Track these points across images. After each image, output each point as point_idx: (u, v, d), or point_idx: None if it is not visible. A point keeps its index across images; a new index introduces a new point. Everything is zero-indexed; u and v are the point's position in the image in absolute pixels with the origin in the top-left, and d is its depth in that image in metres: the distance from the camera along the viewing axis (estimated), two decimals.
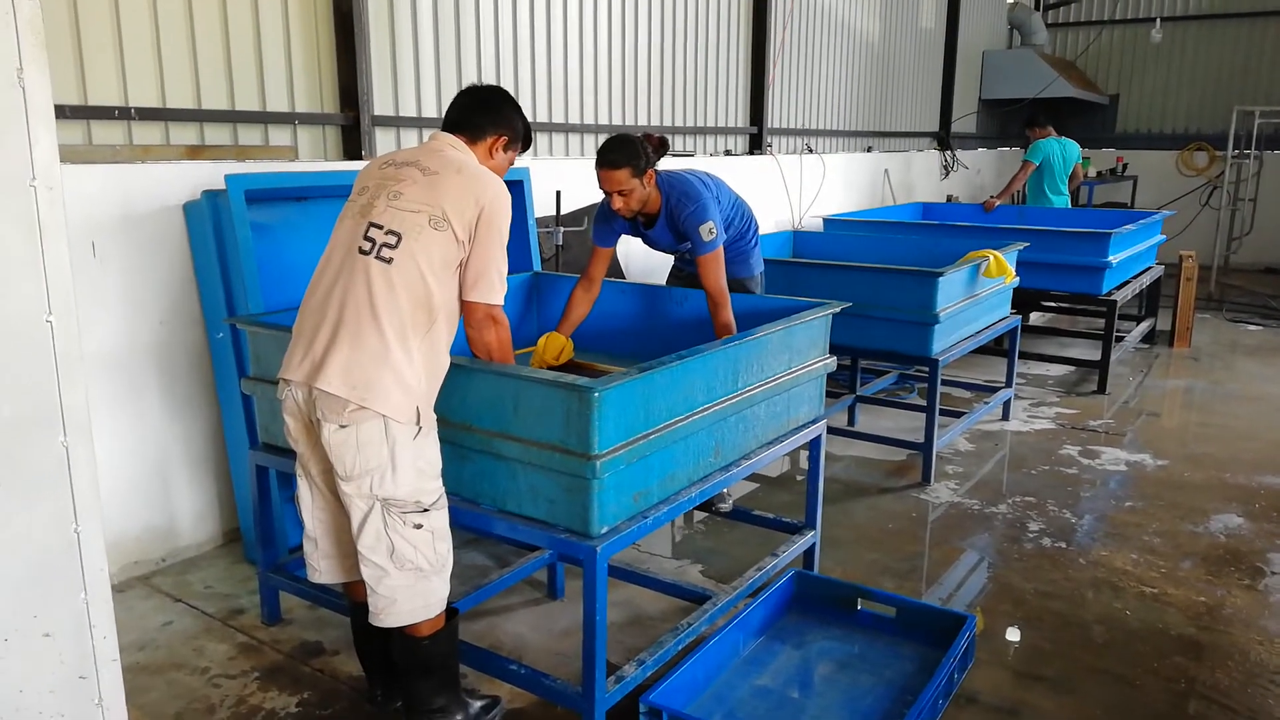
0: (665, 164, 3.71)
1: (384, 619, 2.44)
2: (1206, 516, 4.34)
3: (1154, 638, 3.29)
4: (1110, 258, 6.24)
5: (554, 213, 5.14)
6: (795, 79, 8.34)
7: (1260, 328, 8.66)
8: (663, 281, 4.47)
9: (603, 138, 3.60)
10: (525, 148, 2.76)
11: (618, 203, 3.51)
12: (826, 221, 7.24)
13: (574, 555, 2.53)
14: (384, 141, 4.88)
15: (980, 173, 11.75)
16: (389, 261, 2.35)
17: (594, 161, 3.49)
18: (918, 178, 10.27)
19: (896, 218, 7.56)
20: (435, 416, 2.45)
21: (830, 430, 4.04)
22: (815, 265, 5.13)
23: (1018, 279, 5.45)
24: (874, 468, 4.97)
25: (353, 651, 2.93)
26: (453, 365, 2.49)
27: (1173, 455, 5.16)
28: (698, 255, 3.58)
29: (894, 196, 9.61)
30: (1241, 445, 5.33)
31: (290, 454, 2.63)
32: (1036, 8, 13.51)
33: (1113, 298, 6.37)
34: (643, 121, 6.67)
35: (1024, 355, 6.58)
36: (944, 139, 11.14)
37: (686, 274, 4.13)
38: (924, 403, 4.89)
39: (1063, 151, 7.94)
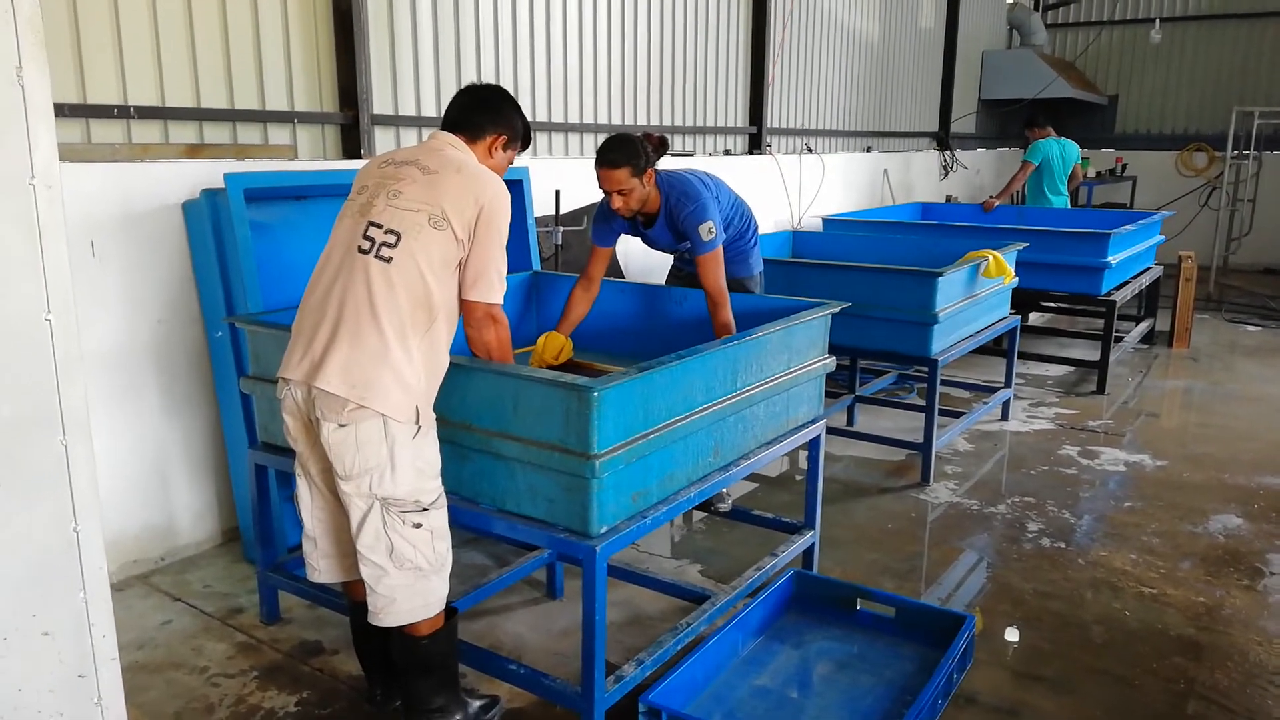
0: (665, 164, 3.71)
1: (383, 618, 2.44)
2: (1206, 517, 4.34)
3: (1153, 638, 3.29)
4: (1109, 258, 6.24)
5: (553, 212, 5.13)
6: (795, 79, 8.34)
7: (1259, 328, 8.66)
8: (662, 281, 4.47)
9: (602, 137, 3.60)
10: (525, 147, 2.76)
11: (617, 202, 3.51)
12: (826, 221, 7.24)
13: (573, 555, 2.52)
14: (383, 140, 4.88)
15: (979, 173, 11.76)
16: (388, 260, 2.35)
17: (593, 161, 3.49)
18: (917, 178, 10.27)
19: (896, 218, 7.56)
20: (434, 416, 2.44)
21: (829, 430, 4.04)
22: (814, 265, 5.13)
23: (1017, 279, 5.45)
24: (873, 468, 4.97)
25: (352, 651, 2.93)
26: (452, 364, 2.49)
27: (1172, 456, 5.16)
28: (697, 255, 3.58)
29: (893, 196, 9.62)
30: (1241, 446, 5.34)
31: (289, 453, 2.63)
32: (1036, 8, 13.51)
33: (1112, 298, 6.37)
34: (642, 121, 6.67)
35: (1023, 355, 6.59)
36: (943, 139, 11.14)
37: (686, 274, 4.13)
38: (923, 403, 4.89)
39: (1062, 152, 7.94)
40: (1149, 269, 7.52)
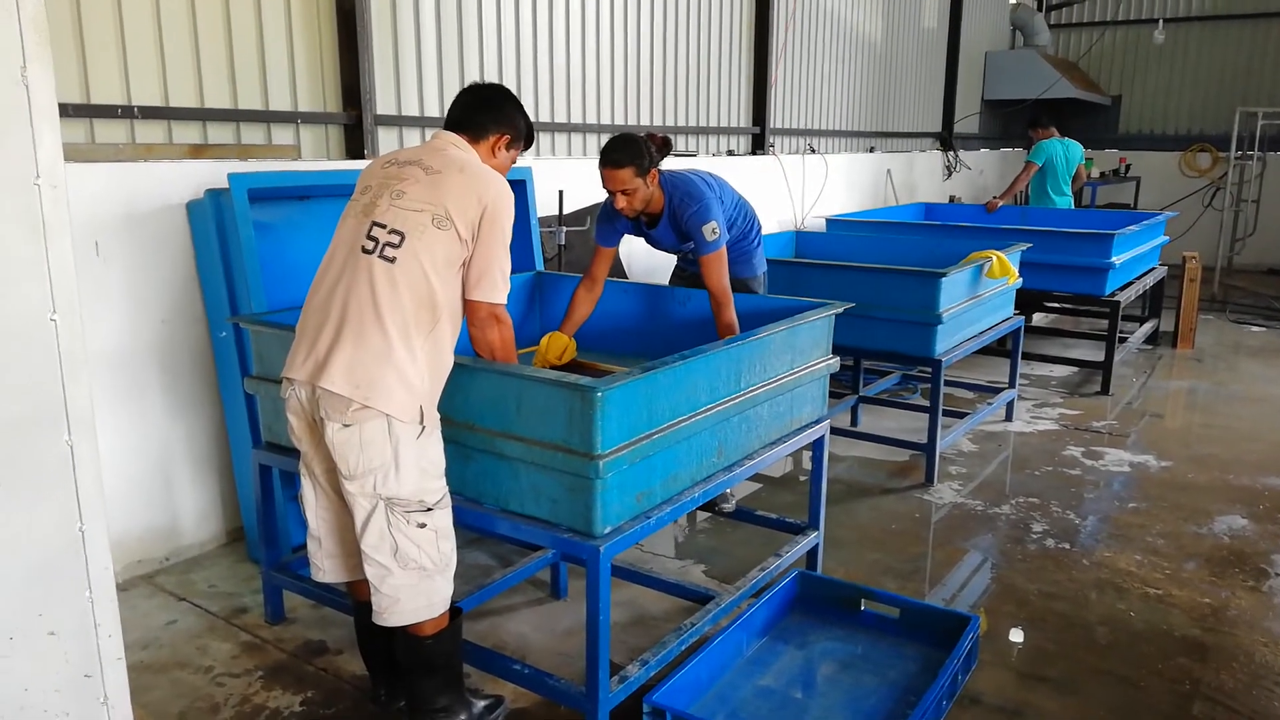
0: (668, 164, 3.71)
1: (387, 618, 2.44)
2: (1210, 518, 4.33)
3: (1158, 639, 3.28)
4: (1113, 259, 6.23)
5: (557, 212, 5.13)
6: (797, 79, 8.33)
7: (1263, 329, 8.64)
8: (665, 282, 4.46)
9: (605, 137, 3.60)
10: (527, 146, 2.76)
11: (621, 202, 3.51)
12: (829, 222, 7.23)
13: (577, 555, 2.52)
14: (386, 140, 4.88)
15: (983, 173, 11.75)
16: (392, 261, 2.35)
17: (597, 161, 3.49)
18: (920, 178, 10.26)
19: (899, 218, 7.56)
20: (439, 416, 2.44)
21: (833, 431, 4.04)
22: (818, 265, 5.13)
23: (1021, 280, 5.44)
24: (877, 468, 4.96)
25: (356, 651, 2.93)
26: (456, 364, 2.49)
27: (1176, 456, 5.15)
28: (701, 255, 3.57)
29: (896, 197, 9.61)
30: (1245, 446, 5.33)
31: (293, 453, 2.63)
32: (1039, 8, 13.50)
33: (1116, 299, 6.36)
34: (645, 121, 6.67)
35: (1027, 356, 6.57)
36: (947, 139, 11.13)
37: (689, 274, 4.13)
38: (927, 403, 4.88)
39: (1065, 152, 7.93)
40: (1153, 269, 7.51)
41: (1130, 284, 6.86)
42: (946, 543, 4.11)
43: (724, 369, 2.83)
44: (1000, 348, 6.13)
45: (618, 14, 6.30)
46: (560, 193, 5.12)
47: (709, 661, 2.85)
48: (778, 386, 3.10)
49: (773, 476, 4.84)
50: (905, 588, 3.66)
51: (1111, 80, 13.50)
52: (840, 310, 3.38)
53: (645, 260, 5.73)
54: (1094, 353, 6.94)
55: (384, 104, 4.83)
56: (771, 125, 7.91)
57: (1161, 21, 12.48)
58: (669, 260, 4.42)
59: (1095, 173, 11.60)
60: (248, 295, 3.44)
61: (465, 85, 2.72)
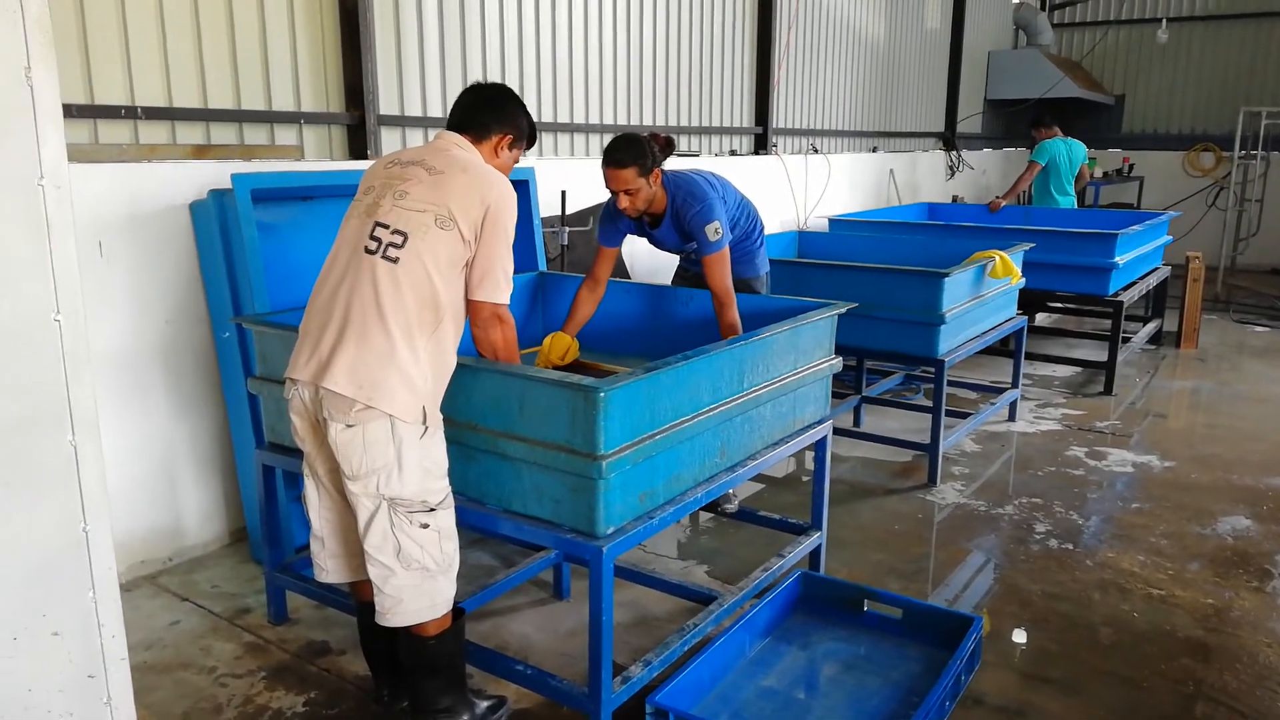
0: (671, 164, 3.71)
1: (390, 618, 2.44)
2: (1214, 518, 4.32)
3: (1161, 640, 3.28)
4: (1117, 258, 6.22)
5: (559, 212, 5.13)
6: (800, 79, 8.33)
7: (1267, 329, 8.63)
8: (668, 282, 4.46)
9: (608, 138, 3.59)
10: (530, 145, 2.76)
11: (624, 202, 3.51)
12: (832, 222, 7.23)
13: (580, 556, 2.52)
14: (389, 141, 4.88)
15: (986, 173, 11.73)
16: (395, 261, 2.35)
17: (600, 161, 3.49)
18: (923, 178, 10.25)
19: (902, 218, 7.55)
20: (441, 416, 2.44)
21: (836, 431, 4.04)
22: (821, 265, 5.12)
23: (1024, 280, 5.44)
24: (880, 469, 4.96)
25: (359, 651, 2.93)
26: (458, 365, 2.49)
27: (1180, 456, 5.14)
28: (703, 255, 3.57)
29: (899, 197, 9.60)
30: (1249, 446, 5.32)
31: (297, 453, 2.63)
32: (1042, 8, 13.47)
33: (1119, 299, 6.35)
34: (648, 121, 6.67)
35: (1030, 356, 6.57)
36: (949, 139, 11.12)
37: (692, 274, 4.13)
38: (930, 404, 4.88)
39: (1069, 152, 7.92)
40: (1156, 269, 7.50)
41: (1133, 284, 6.85)
42: (949, 543, 4.11)
43: (727, 369, 2.83)
44: (1003, 348, 6.13)
45: (620, 14, 6.30)
46: (563, 193, 5.12)
47: (712, 662, 2.85)
48: (780, 387, 3.09)
49: (775, 477, 4.84)
50: (908, 588, 3.65)
51: (1115, 80, 13.48)
52: (843, 310, 3.38)
53: (648, 260, 5.73)
54: (1097, 353, 6.92)
55: (387, 104, 4.84)
56: (774, 125, 7.90)
57: (1165, 21, 12.45)
58: (671, 260, 4.41)
59: (1098, 172, 11.59)
60: (251, 296, 3.44)
61: (468, 85, 2.72)
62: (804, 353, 3.23)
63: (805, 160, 7.99)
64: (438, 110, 5.11)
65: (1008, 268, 5.00)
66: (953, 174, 10.88)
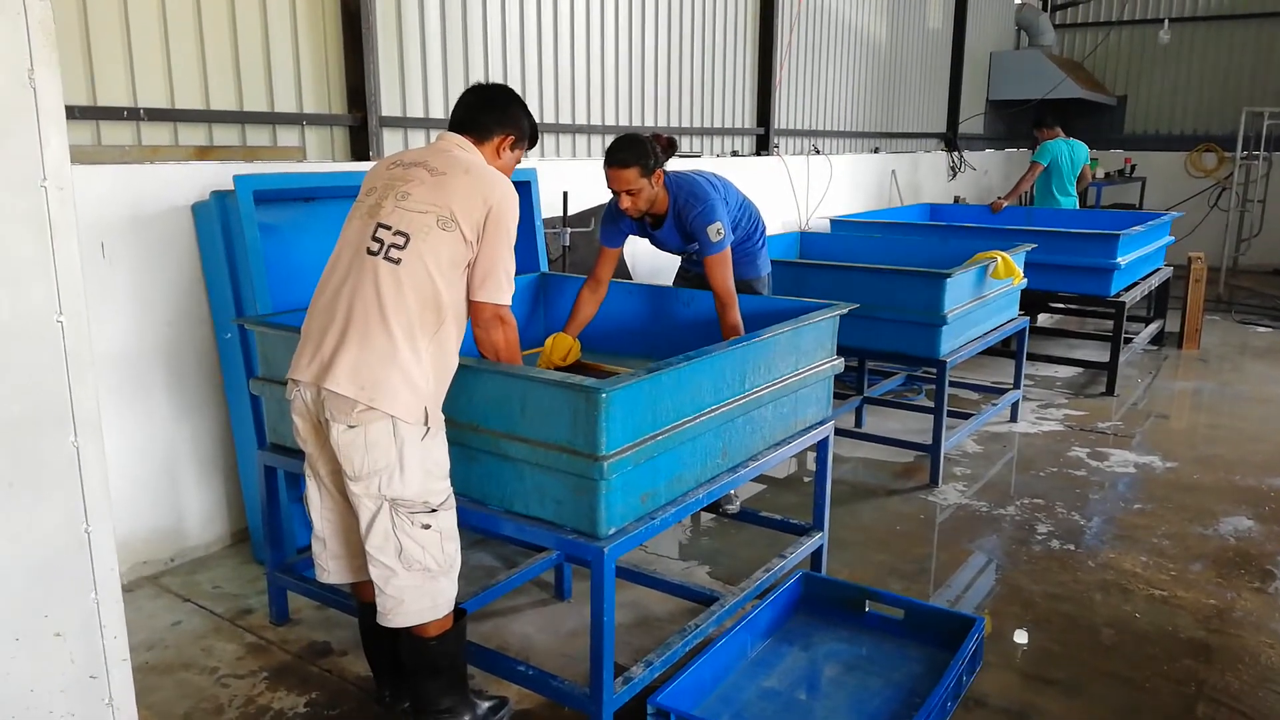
0: (672, 165, 3.71)
1: (392, 619, 2.44)
2: (1216, 519, 4.32)
3: (1163, 640, 3.27)
4: (1119, 259, 6.22)
5: (561, 213, 5.14)
6: (802, 80, 8.33)
7: (1269, 329, 8.62)
8: (669, 283, 4.47)
9: (610, 139, 3.60)
10: (532, 146, 2.77)
11: (626, 202, 3.51)
12: (833, 222, 7.23)
13: (582, 556, 2.52)
14: (391, 142, 4.89)
15: (987, 174, 11.73)
16: (397, 262, 2.35)
17: (602, 162, 3.49)
18: (925, 179, 10.25)
19: (903, 219, 7.55)
20: (443, 417, 2.45)
21: (838, 432, 4.03)
22: (822, 266, 5.12)
23: (1025, 280, 5.44)
24: (881, 469, 4.96)
25: (360, 652, 2.93)
26: (460, 366, 2.49)
27: (1182, 457, 5.14)
28: (705, 256, 3.57)
29: (901, 197, 9.60)
30: (1251, 447, 5.31)
31: (298, 454, 2.63)
32: (1044, 8, 13.47)
33: (1121, 299, 6.35)
34: (650, 122, 6.67)
35: (1032, 357, 6.57)
36: (951, 140, 11.12)
37: (693, 275, 4.13)
38: (931, 404, 4.88)
39: (1071, 153, 7.91)
40: (1158, 270, 7.50)
41: (1135, 284, 6.84)
42: (951, 544, 4.11)
43: (728, 370, 2.83)
44: (1005, 348, 6.12)
45: (623, 15, 6.30)
46: (565, 194, 5.12)
47: (713, 663, 2.85)
48: (782, 387, 3.09)
49: (777, 477, 4.84)
50: (910, 589, 3.65)
51: (1117, 80, 13.47)
52: (845, 311, 3.38)
53: (650, 261, 5.73)
54: (1099, 353, 6.92)
55: (389, 105, 4.84)
56: (776, 126, 7.91)
57: (1167, 21, 12.44)
58: (673, 261, 4.42)
59: (1100, 173, 11.57)
60: (253, 297, 3.45)
61: (469, 86, 2.72)
62: (806, 353, 3.23)
63: (807, 161, 7.99)
64: (439, 111, 5.11)
65: (1009, 268, 5.00)
66: (954, 175, 10.88)
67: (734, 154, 7.55)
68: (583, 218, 5.36)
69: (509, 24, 5.49)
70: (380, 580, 2.42)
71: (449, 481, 2.48)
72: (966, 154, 11.06)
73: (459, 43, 5.21)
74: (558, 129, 5.95)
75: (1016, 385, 5.68)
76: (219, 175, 3.71)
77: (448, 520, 2.46)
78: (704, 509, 3.74)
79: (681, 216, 3.64)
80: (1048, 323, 8.23)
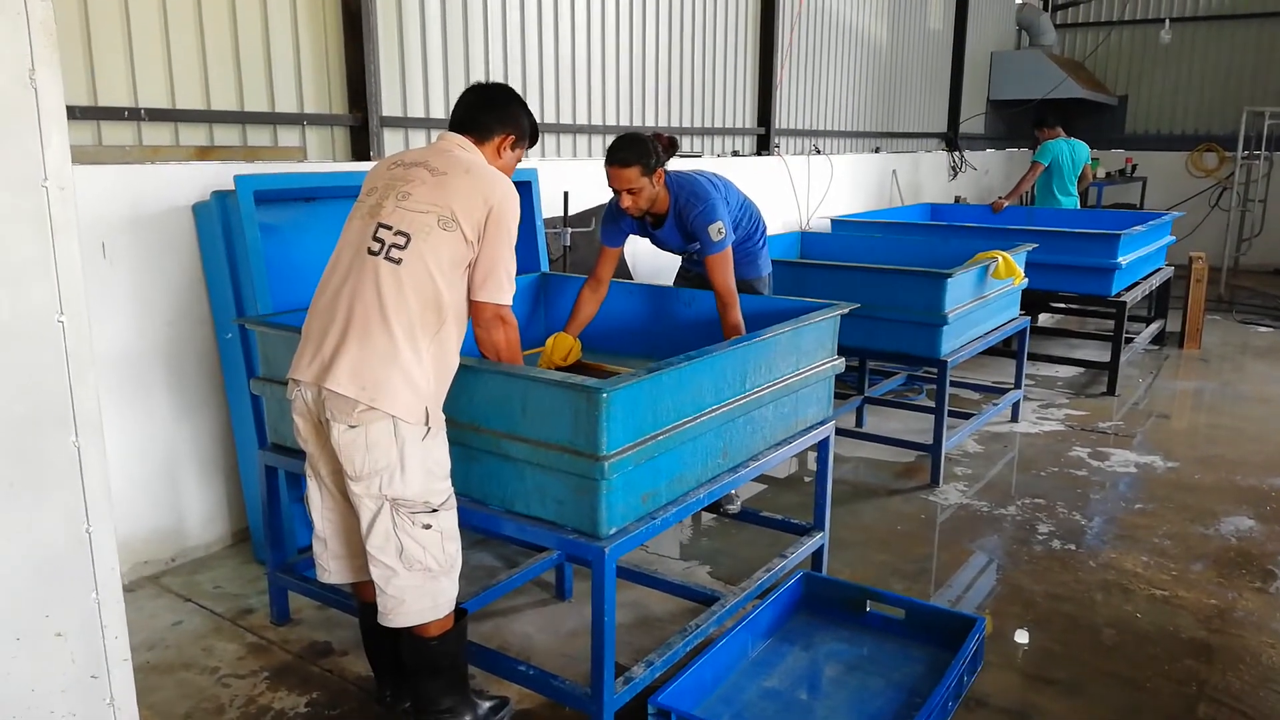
0: (673, 165, 3.71)
1: (393, 619, 2.44)
2: (1217, 519, 4.31)
3: (1164, 640, 3.27)
4: (1120, 259, 6.22)
5: (562, 213, 5.14)
6: (803, 80, 8.33)
7: (1271, 329, 8.62)
8: (670, 283, 4.47)
9: (611, 139, 3.60)
10: (532, 144, 2.77)
11: (626, 201, 3.51)
12: (834, 222, 7.23)
13: (582, 556, 2.52)
14: (392, 142, 4.89)
15: (988, 174, 11.73)
16: (398, 262, 2.35)
17: (602, 162, 3.49)
18: (925, 179, 10.25)
19: (904, 219, 7.55)
20: (444, 417, 2.45)
21: (838, 432, 4.03)
22: (823, 266, 5.12)
23: (1026, 280, 5.43)
24: (882, 469, 4.96)
25: (361, 652, 2.93)
26: (461, 366, 2.49)
27: (1183, 457, 5.13)
28: (706, 255, 3.57)
29: (901, 197, 9.60)
30: (1252, 447, 5.31)
31: (299, 454, 2.63)
32: (1045, 8, 13.47)
33: (1122, 299, 6.35)
34: (650, 122, 6.67)
35: (1033, 357, 6.57)
36: (952, 140, 11.12)
37: (694, 275, 4.13)
38: (932, 404, 4.88)
39: (1072, 152, 7.91)
40: (1159, 270, 7.49)
41: (1136, 284, 6.84)
42: (952, 544, 4.10)
43: (729, 370, 2.83)
44: (1006, 348, 6.12)
45: (623, 15, 6.30)
46: (565, 194, 5.12)
47: (714, 663, 2.85)
48: (783, 387, 3.09)
49: (778, 477, 4.84)
50: (911, 589, 3.65)
51: (1118, 80, 13.47)
52: (845, 311, 3.38)
53: (650, 261, 5.73)
54: (1100, 353, 6.92)
55: (390, 105, 4.84)
56: (776, 126, 7.90)
57: (1168, 21, 12.44)
58: (674, 261, 4.41)
59: (1101, 173, 11.58)
60: (253, 297, 3.45)
61: (469, 85, 2.72)
62: (806, 353, 3.23)
63: (808, 161, 7.99)
64: (440, 111, 5.12)
65: (1010, 268, 5.00)
66: (955, 174, 10.88)
67: (735, 154, 7.55)
68: (583, 218, 5.36)
69: (509, 24, 5.49)
70: (381, 580, 2.42)
71: (450, 481, 2.48)
72: (967, 154, 11.06)
73: (460, 42, 5.21)
74: (558, 129, 5.95)
75: (1017, 385, 5.68)
76: (220, 175, 3.71)
77: (449, 520, 2.46)
78: (705, 509, 3.74)
79: (682, 216, 3.64)
80: (1049, 322, 8.22)
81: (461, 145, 2.56)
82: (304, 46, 4.43)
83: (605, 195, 3.77)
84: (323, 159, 4.58)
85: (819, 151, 8.43)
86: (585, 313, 3.71)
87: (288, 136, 4.44)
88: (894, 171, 9.51)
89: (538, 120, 2.78)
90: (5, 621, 1.81)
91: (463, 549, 2.53)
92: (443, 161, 2.48)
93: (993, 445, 5.33)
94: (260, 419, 3.53)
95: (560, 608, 3.50)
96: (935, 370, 4.63)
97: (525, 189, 4.29)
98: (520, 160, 2.75)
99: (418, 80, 5.02)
